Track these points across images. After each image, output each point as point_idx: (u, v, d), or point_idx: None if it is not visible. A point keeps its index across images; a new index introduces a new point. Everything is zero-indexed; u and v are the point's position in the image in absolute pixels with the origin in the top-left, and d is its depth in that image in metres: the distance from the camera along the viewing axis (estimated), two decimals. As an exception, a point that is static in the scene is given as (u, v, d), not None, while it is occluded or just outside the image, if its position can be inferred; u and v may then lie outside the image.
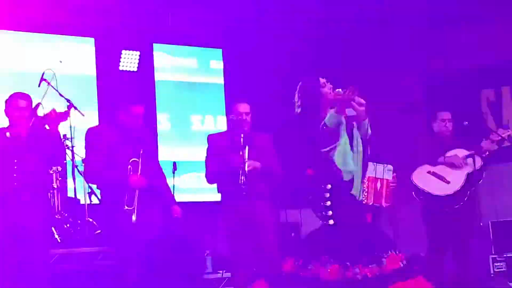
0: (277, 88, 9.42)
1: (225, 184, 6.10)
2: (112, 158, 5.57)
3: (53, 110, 5.49)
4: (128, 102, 5.72)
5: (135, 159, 5.57)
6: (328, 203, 4.62)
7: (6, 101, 5.64)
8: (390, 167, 6.36)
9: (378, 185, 6.26)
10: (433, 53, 9.79)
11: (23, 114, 5.53)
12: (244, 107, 6.13)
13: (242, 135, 5.90)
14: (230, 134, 6.14)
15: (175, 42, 9.37)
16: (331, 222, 4.61)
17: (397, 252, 4.50)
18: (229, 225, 6.10)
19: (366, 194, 6.19)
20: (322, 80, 4.73)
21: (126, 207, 5.47)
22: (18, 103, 5.57)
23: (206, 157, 6.23)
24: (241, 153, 5.87)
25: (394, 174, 6.32)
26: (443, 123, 6.95)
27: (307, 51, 9.53)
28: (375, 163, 6.30)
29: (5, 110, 5.63)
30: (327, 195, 4.61)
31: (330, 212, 4.62)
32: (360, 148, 4.64)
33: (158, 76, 9.24)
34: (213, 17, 9.08)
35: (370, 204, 6.23)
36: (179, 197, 7.23)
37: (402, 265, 4.45)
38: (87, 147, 5.71)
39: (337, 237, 4.51)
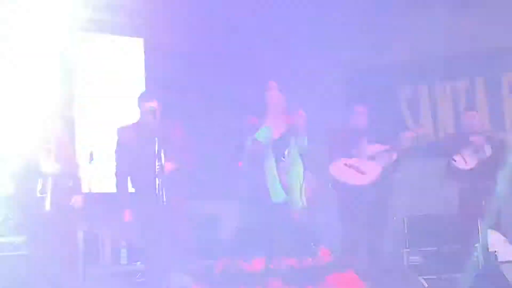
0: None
1: (138, 181, 6.03)
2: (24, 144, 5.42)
3: None
4: None
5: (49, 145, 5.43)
6: None
7: None
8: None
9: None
10: (355, 48, 9.93)
11: None
12: (149, 105, 5.99)
13: (156, 139, 5.71)
14: (140, 128, 6.05)
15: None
16: None
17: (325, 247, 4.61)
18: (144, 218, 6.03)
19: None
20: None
21: (39, 194, 5.31)
22: None
23: (116, 151, 6.17)
24: (157, 162, 5.66)
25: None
26: (358, 116, 7.05)
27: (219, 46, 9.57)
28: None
29: None
30: None
31: None
32: (298, 161, 4.72)
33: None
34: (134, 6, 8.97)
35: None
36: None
37: (333, 258, 4.56)
38: None
39: (266, 232, 4.60)
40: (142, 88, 9.35)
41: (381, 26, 9.73)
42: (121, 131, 6.16)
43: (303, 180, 4.93)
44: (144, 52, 9.48)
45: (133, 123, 6.11)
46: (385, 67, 9.90)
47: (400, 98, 9.99)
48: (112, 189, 8.60)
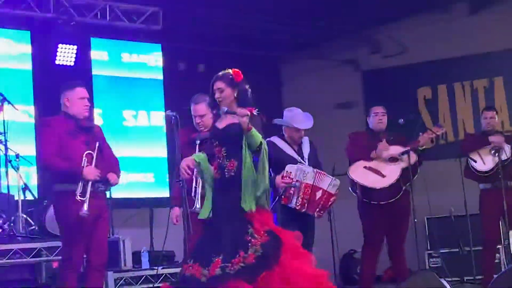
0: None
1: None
2: (67, 148, 5.57)
3: None
4: (72, 86, 5.71)
5: (90, 151, 5.58)
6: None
7: None
8: (337, 182, 6.40)
9: (318, 194, 6.29)
10: (372, 50, 9.93)
11: None
12: (196, 110, 5.91)
13: (197, 142, 5.69)
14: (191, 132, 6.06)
15: (113, 36, 9.27)
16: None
17: (239, 255, 4.59)
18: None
19: (300, 200, 6.21)
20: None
21: (78, 198, 5.44)
22: None
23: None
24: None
25: (337, 190, 6.38)
26: (376, 117, 7.02)
27: (246, 45, 9.59)
28: (321, 172, 6.35)
29: None
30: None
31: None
32: (249, 159, 4.74)
33: (95, 70, 9.11)
34: (152, 11, 9.03)
35: (303, 211, 6.26)
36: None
37: (219, 272, 4.56)
38: (41, 137, 5.73)
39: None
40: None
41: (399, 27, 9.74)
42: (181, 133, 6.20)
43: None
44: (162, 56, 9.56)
45: (189, 127, 6.13)
46: (404, 68, 9.89)
47: (419, 99, 9.98)
48: (134, 194, 8.71)
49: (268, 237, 4.66)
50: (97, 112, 8.90)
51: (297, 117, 6.44)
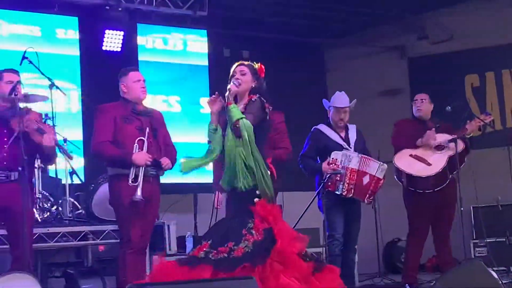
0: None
1: None
2: (120, 133, 5.64)
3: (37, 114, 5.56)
4: (126, 71, 5.78)
5: (141, 138, 5.63)
6: None
7: None
8: (385, 166, 6.38)
9: (365, 180, 6.26)
10: (418, 36, 9.82)
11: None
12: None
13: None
14: None
15: (159, 22, 9.33)
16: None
17: (227, 245, 4.58)
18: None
19: (346, 185, 6.20)
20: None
21: (131, 183, 5.52)
22: (10, 78, 5.54)
23: None
24: None
25: (385, 175, 6.35)
26: (415, 104, 6.95)
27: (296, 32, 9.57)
28: (367, 157, 6.32)
29: None
30: None
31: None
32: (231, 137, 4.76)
33: (142, 56, 9.18)
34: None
35: (349, 196, 6.24)
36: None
37: (201, 255, 4.57)
38: (95, 123, 5.78)
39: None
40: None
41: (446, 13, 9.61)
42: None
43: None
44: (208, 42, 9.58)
45: None
46: (452, 55, 9.77)
47: (466, 86, 9.85)
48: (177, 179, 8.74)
49: (263, 236, 4.64)
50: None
51: (336, 98, 6.53)
